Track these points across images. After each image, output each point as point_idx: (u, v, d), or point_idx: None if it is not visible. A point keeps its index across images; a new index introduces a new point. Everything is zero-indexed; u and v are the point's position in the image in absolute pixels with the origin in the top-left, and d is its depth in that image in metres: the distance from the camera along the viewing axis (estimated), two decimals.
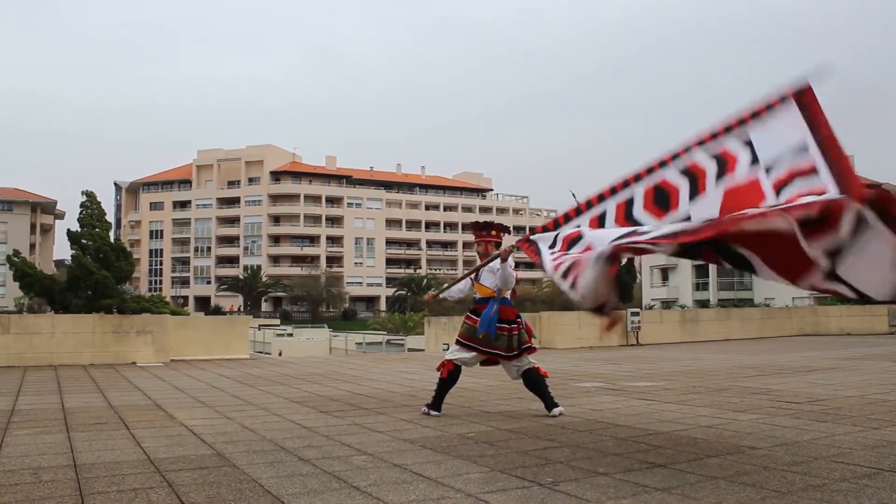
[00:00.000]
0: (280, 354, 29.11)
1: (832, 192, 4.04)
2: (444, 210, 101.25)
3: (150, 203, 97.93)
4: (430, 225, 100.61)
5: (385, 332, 41.62)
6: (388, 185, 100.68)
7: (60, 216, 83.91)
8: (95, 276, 20.17)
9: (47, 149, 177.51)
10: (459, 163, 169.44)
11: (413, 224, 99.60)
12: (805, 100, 4.58)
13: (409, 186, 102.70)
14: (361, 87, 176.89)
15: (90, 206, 22.26)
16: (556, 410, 6.10)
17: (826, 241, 3.74)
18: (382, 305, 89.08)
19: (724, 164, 4.69)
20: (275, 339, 39.03)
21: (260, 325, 45.63)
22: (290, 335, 44.05)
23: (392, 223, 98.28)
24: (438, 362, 6.36)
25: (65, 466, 4.15)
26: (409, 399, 7.51)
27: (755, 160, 4.60)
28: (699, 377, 9.53)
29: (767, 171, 4.55)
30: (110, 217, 28.35)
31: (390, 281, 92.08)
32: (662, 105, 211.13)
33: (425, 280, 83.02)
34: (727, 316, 22.89)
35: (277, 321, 70.96)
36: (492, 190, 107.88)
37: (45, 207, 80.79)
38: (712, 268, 54.66)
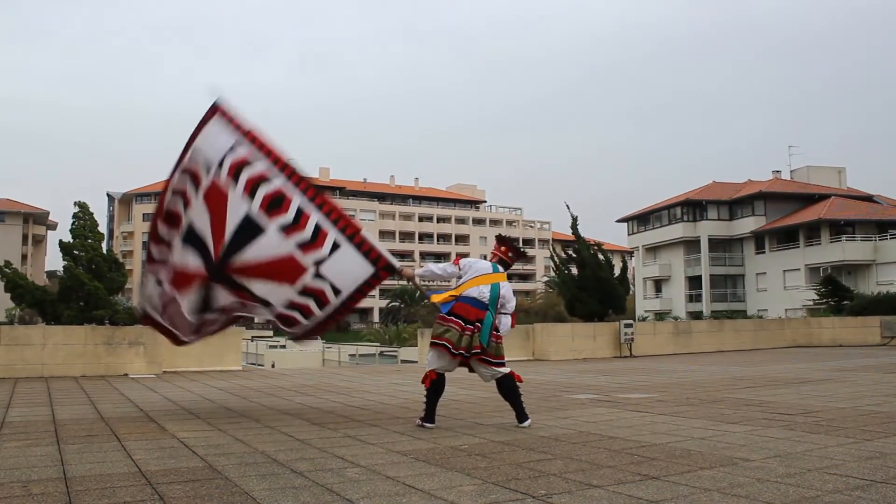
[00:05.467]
0: (273, 366, 29.01)
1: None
2: (438, 221, 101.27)
3: (144, 214, 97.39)
4: (424, 236, 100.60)
5: (378, 344, 41.53)
6: (381, 197, 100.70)
7: (53, 227, 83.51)
8: (87, 288, 20.06)
9: (40, 158, 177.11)
10: (453, 174, 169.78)
11: (406, 235, 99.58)
12: (222, 112, 6.46)
13: (402, 198, 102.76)
14: (354, 98, 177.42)
15: (83, 216, 22.17)
16: (527, 422, 6.08)
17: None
18: (376, 317, 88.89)
19: (194, 179, 6.41)
20: (267, 350, 38.95)
21: (253, 337, 45.51)
22: (283, 347, 43.90)
23: (385, 234, 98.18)
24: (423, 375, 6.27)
25: (55, 479, 4.12)
26: (402, 411, 7.49)
27: (210, 168, 6.29)
28: (693, 389, 9.53)
29: (220, 166, 6.23)
30: (103, 228, 28.24)
31: (384, 292, 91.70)
32: (655, 112, 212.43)
33: (418, 292, 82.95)
34: (720, 327, 22.93)
35: (270, 333, 70.67)
36: (485, 202, 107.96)
37: (37, 218, 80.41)
38: (706, 279, 54.89)
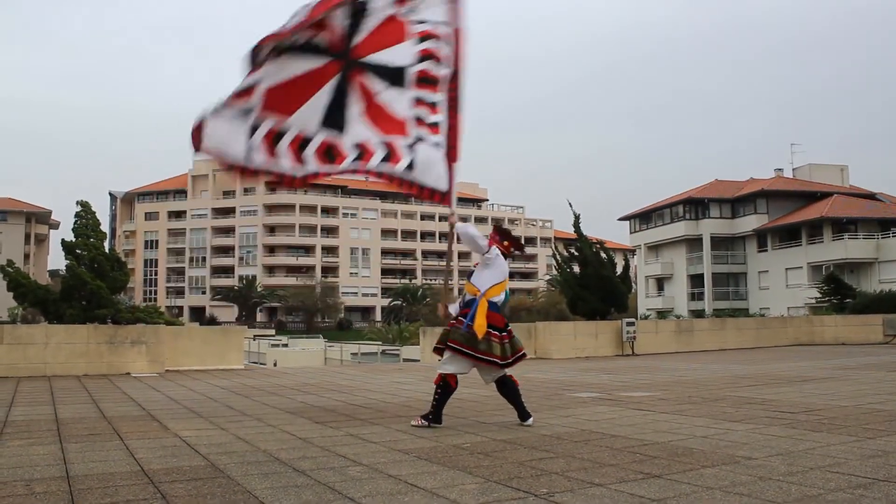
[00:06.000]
0: (275, 365, 29.03)
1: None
2: (440, 220, 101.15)
3: (146, 213, 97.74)
4: (426, 235, 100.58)
5: (380, 343, 41.52)
6: (383, 196, 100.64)
7: (55, 226, 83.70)
8: (90, 287, 20.08)
9: (40, 158, 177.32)
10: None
11: (408, 234, 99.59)
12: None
13: (404, 196, 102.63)
14: None
15: (85, 215, 22.18)
16: (529, 420, 6.11)
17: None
18: (378, 316, 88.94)
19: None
20: (270, 349, 38.97)
21: (255, 336, 45.59)
22: (286, 345, 43.99)
23: (387, 233, 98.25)
24: (436, 376, 6.10)
25: (57, 478, 4.13)
26: (404, 410, 7.49)
27: (410, 10, 6.64)
28: (694, 387, 9.52)
29: (419, 21, 6.63)
30: (105, 227, 28.27)
31: (385, 291, 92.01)
32: (655, 112, 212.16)
33: (420, 290, 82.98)
34: (722, 326, 22.89)
35: (272, 331, 70.87)
36: (487, 200, 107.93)
37: (39, 217, 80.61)
38: (708, 277, 54.82)
